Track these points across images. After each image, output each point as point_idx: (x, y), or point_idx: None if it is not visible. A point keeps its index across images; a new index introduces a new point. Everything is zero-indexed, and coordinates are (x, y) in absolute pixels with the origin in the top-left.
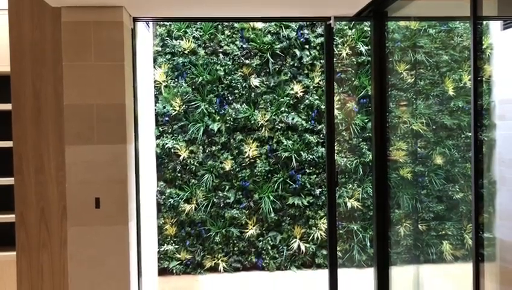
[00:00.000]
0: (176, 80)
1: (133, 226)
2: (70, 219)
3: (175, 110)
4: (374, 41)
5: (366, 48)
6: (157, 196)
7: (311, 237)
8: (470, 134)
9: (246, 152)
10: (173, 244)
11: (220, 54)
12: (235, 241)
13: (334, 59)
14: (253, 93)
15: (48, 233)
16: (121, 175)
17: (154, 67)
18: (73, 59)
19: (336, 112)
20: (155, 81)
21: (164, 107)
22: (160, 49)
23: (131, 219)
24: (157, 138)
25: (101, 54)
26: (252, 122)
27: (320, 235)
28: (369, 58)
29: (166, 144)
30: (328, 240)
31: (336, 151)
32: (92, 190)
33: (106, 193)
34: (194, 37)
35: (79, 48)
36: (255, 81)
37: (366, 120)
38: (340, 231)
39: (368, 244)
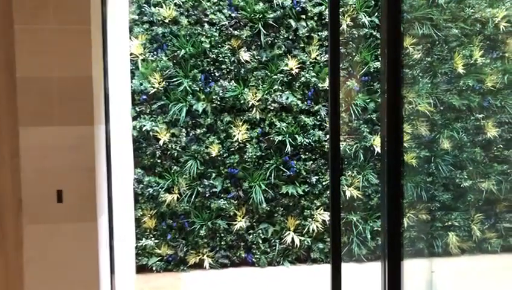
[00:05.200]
0: (155, 52)
1: (104, 222)
2: (27, 216)
3: (154, 88)
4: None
5: (369, 19)
6: (134, 185)
7: (306, 229)
8: (479, 116)
9: (234, 136)
10: (153, 238)
11: (205, 24)
12: (222, 235)
13: None
14: (242, 69)
15: (1, 232)
16: (88, 162)
17: (129, 38)
18: (28, 21)
19: None
20: (131, 54)
21: (141, 84)
22: (136, 17)
23: (102, 213)
24: (134, 119)
25: (62, 16)
26: (242, 102)
27: (317, 227)
28: (372, 31)
29: (144, 126)
30: (330, 234)
31: None
32: (53, 181)
33: (70, 184)
34: (175, 4)
35: (35, 8)
36: (244, 56)
37: (368, 100)
38: None
39: (369, 236)
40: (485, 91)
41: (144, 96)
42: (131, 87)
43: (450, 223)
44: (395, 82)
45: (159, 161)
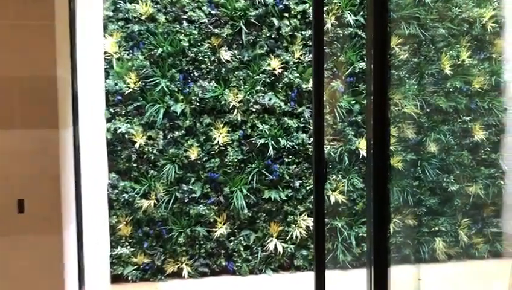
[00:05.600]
0: (131, 51)
1: (71, 233)
2: None
3: (129, 88)
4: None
5: (355, 18)
6: (108, 190)
7: (289, 236)
8: (467, 118)
9: (214, 138)
10: (128, 246)
11: (184, 22)
12: (202, 242)
13: None
14: (223, 69)
15: None
16: (52, 169)
17: (104, 35)
18: None
19: None
20: (105, 53)
21: (116, 84)
22: (111, 14)
23: (69, 224)
24: (108, 121)
25: (24, 10)
26: (222, 103)
27: (300, 233)
28: (357, 31)
29: (119, 128)
30: (314, 241)
31: None
32: (13, 189)
33: (33, 193)
34: (152, 0)
35: None
36: (225, 55)
37: (353, 102)
38: None
39: (354, 243)
40: (472, 93)
41: (119, 97)
42: (106, 87)
43: (436, 228)
44: (382, 83)
45: (134, 165)
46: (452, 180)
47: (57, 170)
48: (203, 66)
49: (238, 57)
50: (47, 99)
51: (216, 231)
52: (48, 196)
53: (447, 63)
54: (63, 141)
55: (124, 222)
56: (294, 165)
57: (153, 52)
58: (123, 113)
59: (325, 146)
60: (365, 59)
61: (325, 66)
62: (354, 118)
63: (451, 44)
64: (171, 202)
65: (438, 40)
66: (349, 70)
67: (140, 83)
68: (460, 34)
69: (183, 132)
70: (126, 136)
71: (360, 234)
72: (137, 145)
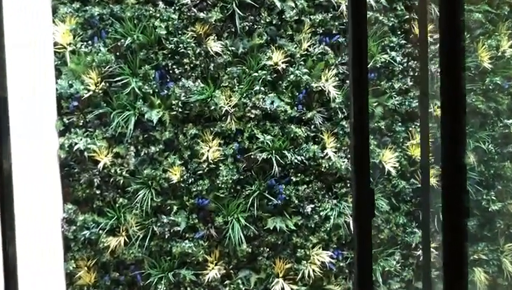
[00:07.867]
0: (90, 42)
1: None
2: None
3: (89, 90)
4: None
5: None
6: (63, 227)
7: (300, 275)
8: (509, 122)
9: (202, 154)
10: None
11: (160, 3)
12: (189, 289)
13: (329, 14)
14: (212, 65)
15: None
16: None
17: (53, 21)
18: None
19: (333, 92)
20: (55, 44)
21: (71, 86)
22: None
23: None
24: (61, 134)
25: None
26: (212, 108)
27: (314, 271)
28: (378, 15)
29: (76, 143)
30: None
31: (333, 150)
32: None
33: None
34: None
35: None
36: (214, 46)
37: (375, 104)
38: (340, 264)
39: (380, 280)
40: None
41: (75, 103)
42: (57, 90)
43: (476, 256)
44: (456, 80)
45: (97, 191)
46: (493, 198)
47: None
48: (185, 60)
49: (230, 48)
50: None
51: (207, 274)
52: None
53: (485, 54)
54: None
55: (86, 267)
56: (304, 186)
57: (119, 43)
58: (81, 124)
59: (341, 159)
60: (388, 51)
61: (339, 59)
62: (376, 124)
63: (490, 32)
64: (148, 239)
65: (473, 26)
66: (370, 64)
67: (103, 83)
68: (500, 19)
69: (161, 146)
70: (86, 154)
71: (387, 269)
72: (100, 166)
